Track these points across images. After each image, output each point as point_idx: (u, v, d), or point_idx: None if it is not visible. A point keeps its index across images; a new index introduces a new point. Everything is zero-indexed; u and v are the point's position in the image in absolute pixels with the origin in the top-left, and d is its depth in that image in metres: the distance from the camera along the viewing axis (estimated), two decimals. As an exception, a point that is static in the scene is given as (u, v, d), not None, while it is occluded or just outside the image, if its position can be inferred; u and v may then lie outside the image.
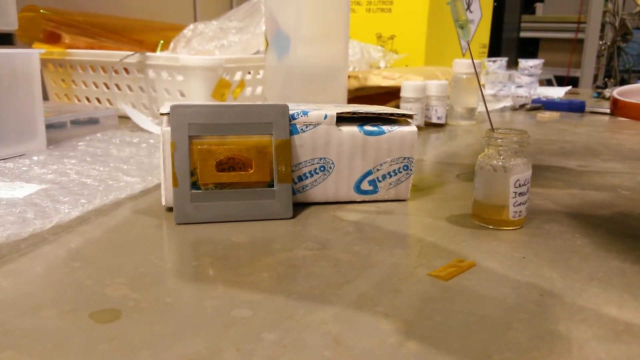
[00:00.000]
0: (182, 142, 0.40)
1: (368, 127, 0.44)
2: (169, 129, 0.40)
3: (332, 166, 0.44)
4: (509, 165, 0.40)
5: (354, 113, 0.44)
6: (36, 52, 0.55)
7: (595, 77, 3.04)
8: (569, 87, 1.55)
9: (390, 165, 0.45)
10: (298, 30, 0.71)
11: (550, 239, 0.39)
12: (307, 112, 0.43)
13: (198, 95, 0.78)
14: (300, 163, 0.44)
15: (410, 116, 0.46)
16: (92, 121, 0.68)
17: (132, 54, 0.79)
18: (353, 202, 0.46)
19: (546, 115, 1.03)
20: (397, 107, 0.89)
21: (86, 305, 0.28)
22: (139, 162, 0.52)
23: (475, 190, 0.43)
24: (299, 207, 0.44)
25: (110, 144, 0.59)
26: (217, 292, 0.30)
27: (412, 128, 0.45)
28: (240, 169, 0.42)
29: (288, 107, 0.43)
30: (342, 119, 0.44)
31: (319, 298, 0.29)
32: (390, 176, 0.46)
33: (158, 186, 0.48)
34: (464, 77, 0.88)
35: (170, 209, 0.43)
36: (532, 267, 0.34)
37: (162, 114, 0.41)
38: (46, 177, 0.45)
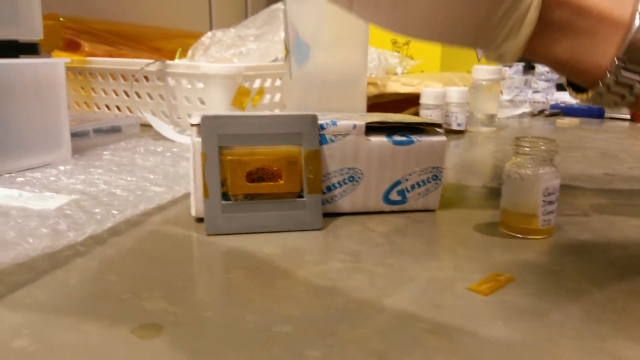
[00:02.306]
0: (213, 152, 0.40)
1: (397, 137, 0.44)
2: (199, 139, 0.40)
3: (360, 176, 0.44)
4: (538, 173, 0.40)
5: (382, 123, 0.44)
6: (61, 62, 0.56)
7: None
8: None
9: (419, 175, 0.45)
10: (317, 38, 0.71)
11: (584, 251, 0.38)
12: (336, 122, 0.43)
13: (218, 103, 0.78)
14: (329, 173, 0.43)
15: (439, 125, 0.46)
16: (115, 130, 0.68)
17: (153, 62, 0.79)
18: (381, 213, 0.45)
19: (566, 121, 1.03)
20: (417, 114, 0.89)
21: (126, 320, 0.28)
22: (164, 172, 0.52)
23: (502, 198, 0.42)
24: (328, 217, 0.44)
25: (135, 153, 0.59)
26: (256, 306, 0.29)
27: (442, 138, 0.45)
28: (269, 180, 0.41)
29: (317, 117, 0.42)
30: (371, 128, 0.44)
31: (358, 313, 0.29)
32: (419, 186, 0.45)
33: (185, 196, 0.48)
34: (484, 83, 0.87)
35: (199, 220, 0.42)
36: (572, 281, 0.33)
37: (192, 125, 0.41)
38: (75, 188, 0.45)
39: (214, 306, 0.29)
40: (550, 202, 0.40)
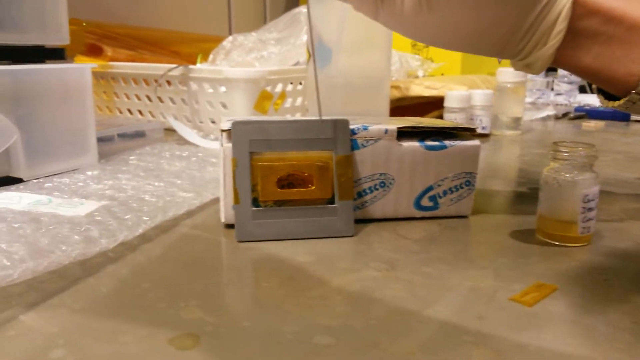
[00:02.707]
0: (243, 158, 0.40)
1: (429, 142, 0.43)
2: (229, 145, 0.40)
3: (392, 182, 0.43)
4: (577, 180, 0.39)
5: (414, 127, 0.43)
6: (88, 67, 0.56)
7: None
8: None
9: (452, 180, 0.44)
10: (340, 41, 0.70)
11: (627, 259, 0.37)
12: (368, 127, 0.42)
13: (240, 107, 0.78)
14: (360, 179, 0.43)
15: (473, 130, 0.45)
16: (139, 134, 0.68)
17: (176, 67, 0.79)
18: (412, 219, 0.45)
19: (591, 124, 1.01)
20: (440, 117, 0.88)
21: (163, 330, 0.27)
22: (191, 177, 0.52)
23: (540, 205, 0.41)
24: (358, 223, 0.43)
25: (161, 157, 0.59)
26: (293, 316, 0.29)
27: (475, 142, 0.44)
28: (299, 185, 0.41)
29: (349, 122, 0.42)
30: (402, 133, 0.43)
31: (400, 324, 0.28)
32: (452, 192, 0.44)
33: (213, 202, 0.48)
34: (509, 85, 0.86)
35: (229, 226, 0.42)
36: (618, 291, 0.32)
37: (222, 131, 0.41)
38: (104, 193, 0.45)
39: (251, 316, 0.29)
40: (590, 209, 0.39)
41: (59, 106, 0.54)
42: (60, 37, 0.56)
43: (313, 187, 0.40)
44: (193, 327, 0.27)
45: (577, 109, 1.14)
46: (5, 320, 0.28)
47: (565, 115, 1.11)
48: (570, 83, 1.37)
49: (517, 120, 0.87)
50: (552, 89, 1.41)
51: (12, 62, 0.53)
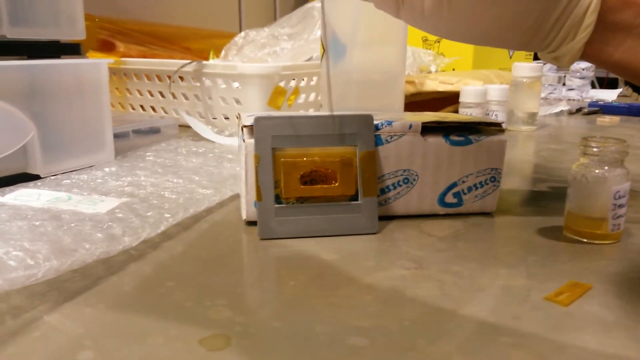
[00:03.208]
0: (266, 154, 0.39)
1: (454, 137, 0.42)
2: (252, 141, 0.39)
3: (415, 178, 0.42)
4: (608, 176, 0.38)
5: (439, 123, 0.42)
6: (104, 62, 0.55)
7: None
8: (620, 90, 1.49)
9: (477, 177, 0.43)
10: (354, 36, 0.69)
11: (662, 258, 0.36)
12: (392, 122, 0.41)
13: (254, 102, 0.77)
14: (384, 175, 0.42)
15: (499, 125, 0.44)
16: (154, 131, 0.68)
17: (190, 63, 0.78)
18: (436, 216, 0.44)
19: (606, 119, 0.99)
20: (455, 112, 0.87)
21: (193, 330, 0.26)
22: (209, 173, 0.51)
23: (569, 201, 0.40)
24: (381, 220, 0.42)
25: (177, 154, 0.58)
26: (324, 316, 0.28)
27: (502, 137, 0.43)
28: (321, 182, 0.40)
29: (373, 117, 0.41)
30: (426, 128, 0.42)
31: (435, 325, 0.27)
32: (477, 188, 0.43)
33: (232, 198, 0.47)
34: (525, 80, 0.85)
35: (250, 223, 0.41)
36: (655, 290, 0.31)
37: (244, 127, 0.40)
38: (124, 190, 0.44)
39: (281, 316, 0.28)
40: (621, 206, 0.38)
41: (75, 102, 0.53)
42: (75, 32, 0.56)
43: (336, 184, 0.40)
44: (222, 327, 0.27)
45: (591, 104, 1.13)
46: (29, 320, 0.28)
47: (579, 110, 1.10)
48: (582, 78, 1.36)
49: (532, 116, 0.86)
50: (564, 84, 1.40)
51: (28, 58, 0.52)
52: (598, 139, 0.39)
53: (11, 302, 0.29)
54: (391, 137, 0.41)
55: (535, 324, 0.27)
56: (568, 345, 0.25)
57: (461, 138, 0.42)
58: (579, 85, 1.36)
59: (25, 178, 0.49)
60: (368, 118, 0.41)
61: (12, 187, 0.46)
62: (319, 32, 0.89)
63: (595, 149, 0.38)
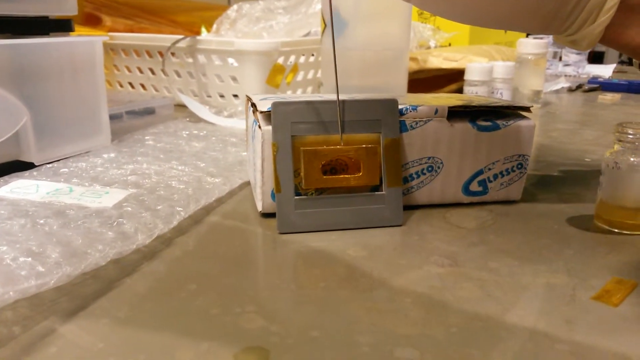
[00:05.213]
0: (285, 143, 0.36)
1: (481, 122, 0.40)
2: (269, 128, 0.36)
3: (440, 166, 0.40)
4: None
5: (466, 107, 0.40)
6: (99, 40, 0.51)
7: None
8: (615, 65, 1.48)
9: (504, 164, 0.41)
10: (356, 10, 0.66)
11: (700, 250, 0.35)
12: (417, 107, 0.39)
13: (252, 80, 0.73)
14: (408, 163, 0.39)
15: (527, 109, 0.42)
16: (148, 111, 0.64)
17: (183, 38, 0.74)
18: (459, 204, 0.42)
19: (608, 97, 0.98)
20: (460, 90, 0.84)
21: (225, 343, 0.24)
22: (214, 159, 0.48)
23: (601, 190, 0.38)
24: (404, 210, 0.40)
25: (178, 137, 0.55)
26: (364, 324, 0.26)
27: (530, 122, 0.41)
28: (342, 171, 0.38)
29: (397, 101, 0.38)
30: (450, 113, 0.40)
31: (484, 333, 0.25)
32: (503, 176, 0.41)
33: (242, 186, 0.45)
34: (530, 57, 0.82)
35: (266, 215, 0.39)
36: None
37: (261, 112, 0.37)
38: (127, 180, 0.41)
39: (318, 324, 0.26)
40: (656, 195, 0.37)
41: (67, 83, 0.49)
42: (66, 6, 0.51)
43: (360, 174, 0.37)
44: (258, 339, 0.25)
45: (590, 81, 1.11)
46: (43, 333, 0.25)
47: (578, 87, 1.08)
48: (579, 54, 1.34)
49: (537, 94, 0.84)
50: (560, 59, 1.38)
51: (13, 36, 0.48)
52: (634, 124, 0.37)
53: (19, 311, 0.27)
54: (416, 123, 0.39)
55: (589, 329, 0.26)
56: (632, 354, 0.24)
57: (488, 123, 0.40)
58: (575, 61, 1.34)
59: (18, 166, 0.45)
60: (392, 103, 0.38)
61: (5, 178, 0.42)
62: (318, 6, 0.85)
63: (631, 136, 0.37)
